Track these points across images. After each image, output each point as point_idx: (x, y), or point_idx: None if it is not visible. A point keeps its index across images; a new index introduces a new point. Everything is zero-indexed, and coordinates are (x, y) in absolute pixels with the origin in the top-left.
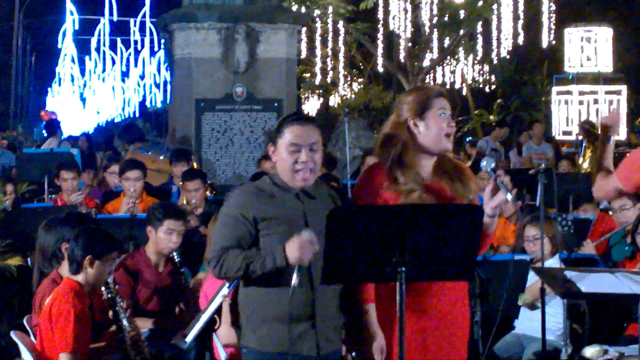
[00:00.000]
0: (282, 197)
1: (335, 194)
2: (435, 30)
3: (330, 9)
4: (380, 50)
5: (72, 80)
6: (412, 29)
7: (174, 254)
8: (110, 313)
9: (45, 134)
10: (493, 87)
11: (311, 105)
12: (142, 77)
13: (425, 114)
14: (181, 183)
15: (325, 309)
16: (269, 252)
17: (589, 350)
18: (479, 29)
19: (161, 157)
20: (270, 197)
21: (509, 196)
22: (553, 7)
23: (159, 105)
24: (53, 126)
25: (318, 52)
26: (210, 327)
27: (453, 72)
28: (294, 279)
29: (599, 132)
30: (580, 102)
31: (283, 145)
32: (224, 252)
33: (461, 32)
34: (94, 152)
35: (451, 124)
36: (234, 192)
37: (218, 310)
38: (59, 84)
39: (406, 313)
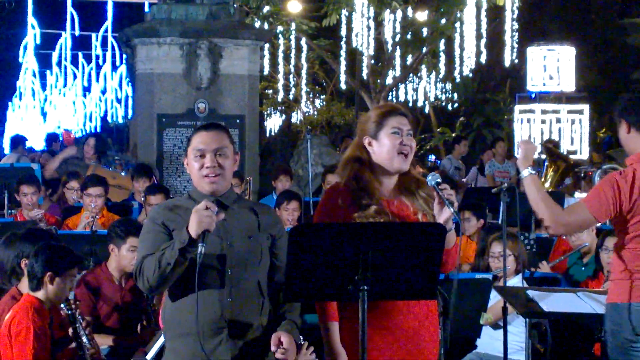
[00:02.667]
0: None
1: (263, 208)
2: (398, 47)
3: (293, 25)
4: (342, 67)
5: (33, 94)
6: (375, 47)
7: None
8: (70, 330)
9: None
10: (456, 105)
11: (273, 122)
12: (103, 92)
13: (379, 133)
14: (143, 198)
15: (238, 321)
16: (178, 236)
17: None
18: (442, 47)
19: (122, 173)
20: (185, 210)
21: (451, 209)
22: (516, 26)
23: (120, 120)
24: (16, 142)
25: (281, 68)
26: None
27: (416, 90)
28: (199, 248)
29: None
30: (543, 121)
31: (191, 153)
32: (143, 259)
33: (424, 50)
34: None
35: (406, 143)
36: (152, 208)
37: None
38: (20, 98)
39: (373, 332)
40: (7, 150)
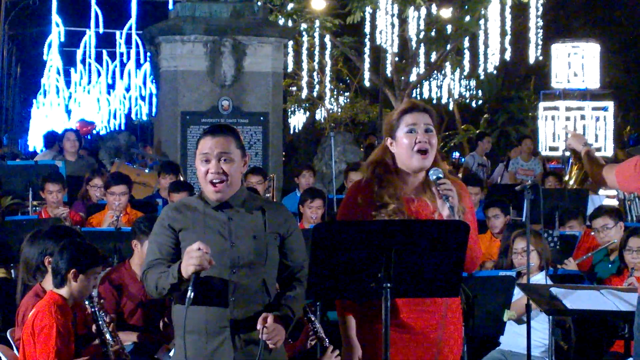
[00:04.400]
0: (204, 209)
1: (273, 206)
2: (422, 44)
3: (317, 22)
4: (367, 65)
5: (58, 92)
6: (399, 44)
7: None
8: (94, 327)
9: (44, 147)
10: (480, 102)
11: (297, 119)
12: (127, 89)
13: (396, 133)
14: (168, 194)
15: (241, 320)
16: (171, 268)
17: None
18: (466, 44)
19: (146, 171)
20: (193, 210)
21: (447, 204)
22: (540, 23)
23: (144, 117)
24: (51, 139)
25: (305, 65)
26: None
27: (440, 87)
28: (189, 292)
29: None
30: (567, 118)
31: (197, 156)
32: (147, 269)
33: (448, 47)
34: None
35: (421, 139)
36: (162, 209)
37: None
38: (44, 96)
39: (395, 329)
40: (31, 147)
